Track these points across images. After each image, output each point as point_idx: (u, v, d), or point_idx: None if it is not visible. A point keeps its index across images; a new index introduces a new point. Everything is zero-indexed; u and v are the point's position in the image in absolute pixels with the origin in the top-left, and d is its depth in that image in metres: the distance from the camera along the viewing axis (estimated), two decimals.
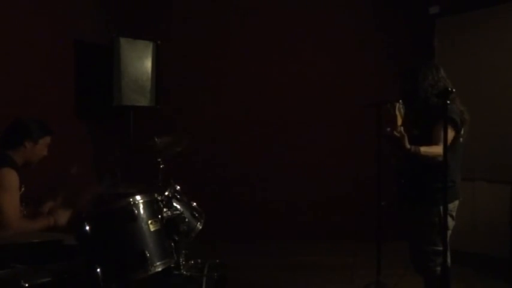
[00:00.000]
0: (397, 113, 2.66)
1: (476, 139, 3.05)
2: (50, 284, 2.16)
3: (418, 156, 2.65)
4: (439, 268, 2.65)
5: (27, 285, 2.07)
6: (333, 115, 5.11)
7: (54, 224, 2.87)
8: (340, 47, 5.21)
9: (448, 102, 2.36)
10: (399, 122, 2.66)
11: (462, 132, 2.80)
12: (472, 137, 2.90)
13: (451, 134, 2.70)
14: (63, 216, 2.93)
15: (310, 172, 5.17)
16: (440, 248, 2.51)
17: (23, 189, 2.88)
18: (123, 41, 4.47)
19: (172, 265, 2.83)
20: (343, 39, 5.21)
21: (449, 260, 2.63)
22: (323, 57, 5.21)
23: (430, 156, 2.62)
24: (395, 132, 2.61)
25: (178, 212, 3.07)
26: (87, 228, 2.31)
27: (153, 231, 2.44)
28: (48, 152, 3.03)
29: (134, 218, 2.39)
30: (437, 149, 2.49)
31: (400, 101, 2.71)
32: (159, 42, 4.73)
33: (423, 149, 2.64)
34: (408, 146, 2.62)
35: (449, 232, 2.76)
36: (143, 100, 4.60)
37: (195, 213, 3.23)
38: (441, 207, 2.48)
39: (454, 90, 2.39)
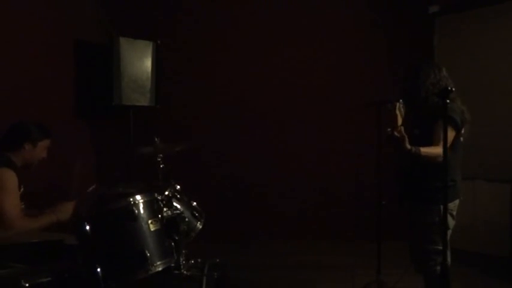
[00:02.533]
0: (398, 112, 2.65)
1: (477, 138, 3.05)
2: (50, 284, 2.16)
3: (419, 156, 2.65)
4: (439, 267, 2.64)
5: (27, 284, 2.07)
6: (333, 115, 5.11)
7: (57, 220, 2.85)
8: (340, 46, 5.20)
9: (448, 101, 2.36)
10: (400, 121, 2.65)
11: (463, 131, 2.80)
12: (473, 136, 2.90)
13: (451, 133, 2.70)
14: (65, 211, 2.90)
15: (310, 172, 5.17)
16: (441, 247, 2.50)
17: (22, 189, 2.88)
18: (122, 40, 4.47)
19: (172, 265, 2.82)
20: (343, 39, 5.20)
21: (449, 259, 2.63)
22: (322, 56, 5.21)
23: (430, 156, 2.62)
24: (395, 133, 2.61)
25: (178, 211, 3.07)
26: (87, 228, 2.31)
27: (153, 230, 2.45)
28: (48, 154, 3.03)
29: (134, 217, 2.39)
30: (438, 150, 2.48)
31: (401, 100, 2.71)
32: (158, 41, 4.72)
33: (424, 150, 2.64)
34: (409, 146, 2.61)
35: (449, 231, 2.76)
36: (143, 100, 4.60)
37: (195, 212, 3.23)
38: (441, 207, 2.47)
39: (454, 89, 2.38)
